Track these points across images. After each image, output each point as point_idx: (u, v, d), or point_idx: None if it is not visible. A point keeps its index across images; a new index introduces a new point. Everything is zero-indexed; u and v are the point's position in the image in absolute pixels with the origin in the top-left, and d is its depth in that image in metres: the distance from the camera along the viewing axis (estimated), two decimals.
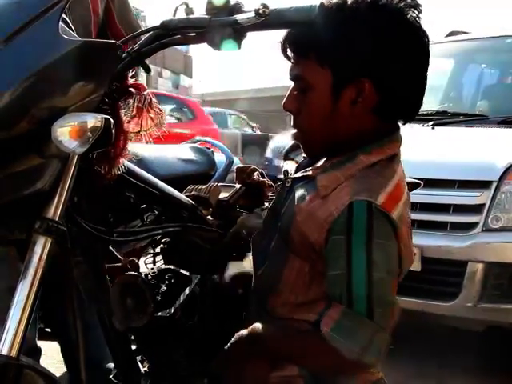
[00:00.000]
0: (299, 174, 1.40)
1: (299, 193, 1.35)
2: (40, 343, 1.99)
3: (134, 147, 1.46)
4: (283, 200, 1.41)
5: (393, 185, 1.27)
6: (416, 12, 1.27)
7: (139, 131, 1.39)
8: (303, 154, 1.46)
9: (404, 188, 1.33)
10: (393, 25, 1.25)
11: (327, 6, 1.25)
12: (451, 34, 5.16)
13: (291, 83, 1.36)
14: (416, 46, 1.29)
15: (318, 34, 1.25)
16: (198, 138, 2.69)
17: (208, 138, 2.89)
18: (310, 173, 1.36)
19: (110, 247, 1.54)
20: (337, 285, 1.22)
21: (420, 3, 1.29)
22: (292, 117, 1.36)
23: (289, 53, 1.33)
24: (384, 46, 1.25)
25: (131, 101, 1.37)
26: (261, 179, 1.87)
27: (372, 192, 1.23)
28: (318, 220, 1.25)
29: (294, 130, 1.38)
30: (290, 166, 1.56)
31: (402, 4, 1.26)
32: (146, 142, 1.41)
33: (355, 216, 1.21)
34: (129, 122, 1.37)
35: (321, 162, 1.37)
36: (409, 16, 1.27)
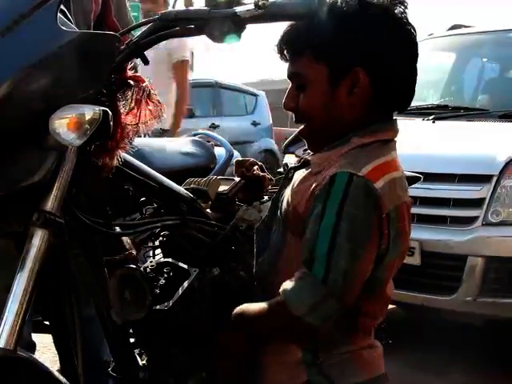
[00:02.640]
0: (297, 164, 1.46)
1: (295, 176, 1.41)
2: (40, 337, 1.99)
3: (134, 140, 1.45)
4: (284, 189, 1.45)
5: (381, 161, 1.30)
6: (402, 7, 1.34)
7: (137, 123, 1.38)
8: (303, 147, 1.48)
9: (397, 168, 1.34)
10: (382, 19, 1.31)
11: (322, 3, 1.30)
12: (453, 27, 5.14)
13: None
14: (404, 37, 1.35)
15: (312, 31, 1.30)
16: (198, 131, 2.69)
17: (208, 132, 2.90)
18: (308, 157, 1.41)
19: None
20: (305, 249, 1.27)
21: (406, 0, 1.35)
22: (294, 114, 1.40)
23: (285, 53, 1.37)
24: (375, 39, 1.30)
25: (130, 93, 1.36)
26: (260, 173, 1.87)
27: (356, 165, 1.26)
28: (306, 192, 1.31)
29: (301, 126, 1.42)
30: (290, 159, 1.58)
31: (388, 0, 1.33)
32: (144, 135, 1.40)
33: (335, 185, 1.24)
34: (127, 114, 1.36)
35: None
36: (396, 11, 1.33)
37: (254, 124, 9.70)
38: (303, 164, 1.43)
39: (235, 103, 9.82)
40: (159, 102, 1.43)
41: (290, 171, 1.46)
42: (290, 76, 1.38)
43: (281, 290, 1.27)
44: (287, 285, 1.27)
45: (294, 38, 1.35)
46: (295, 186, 1.37)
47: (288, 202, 1.38)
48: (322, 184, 1.26)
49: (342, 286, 1.24)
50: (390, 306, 3.95)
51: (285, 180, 1.48)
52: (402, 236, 1.33)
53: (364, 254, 1.25)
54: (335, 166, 1.28)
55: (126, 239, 1.55)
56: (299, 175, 1.40)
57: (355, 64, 1.30)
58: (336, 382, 1.36)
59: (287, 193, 1.41)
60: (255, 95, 10.10)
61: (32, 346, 1.97)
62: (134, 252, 1.55)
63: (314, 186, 1.29)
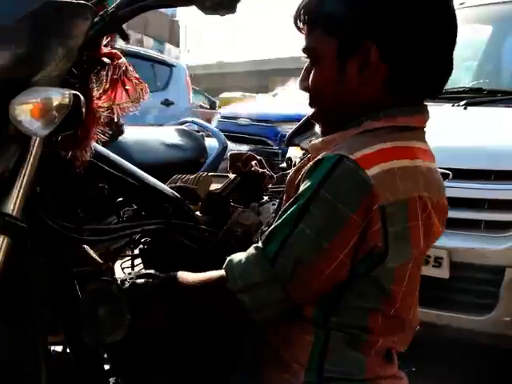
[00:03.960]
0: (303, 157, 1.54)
1: (301, 168, 1.43)
2: None
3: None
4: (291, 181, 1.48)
5: (385, 146, 1.31)
6: None
7: (110, 106, 1.39)
8: (309, 138, 1.50)
9: (412, 157, 1.36)
10: None
11: None
12: None
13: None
14: (431, 7, 1.36)
15: (325, 0, 1.35)
16: (186, 118, 2.70)
17: (198, 120, 2.90)
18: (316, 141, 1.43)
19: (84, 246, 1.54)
20: (271, 224, 1.33)
21: None
22: (308, 95, 1.44)
23: (300, 24, 1.41)
24: (388, 8, 1.33)
25: (104, 72, 1.37)
26: (259, 169, 1.87)
27: (351, 149, 1.28)
28: (300, 176, 1.36)
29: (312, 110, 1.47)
30: (294, 152, 1.59)
31: None
32: (118, 119, 1.41)
33: (319, 167, 1.28)
34: (99, 97, 1.37)
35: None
36: None
37: (166, 104, 9.14)
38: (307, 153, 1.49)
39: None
40: (139, 81, 1.43)
41: (300, 157, 1.49)
42: (304, 51, 1.43)
43: (227, 259, 1.34)
44: (235, 256, 1.33)
45: (309, 9, 1.39)
46: (291, 175, 1.43)
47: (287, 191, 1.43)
48: (308, 166, 1.31)
49: (290, 273, 1.27)
50: None
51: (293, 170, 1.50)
52: (412, 238, 1.33)
53: (330, 249, 1.27)
54: (332, 150, 1.31)
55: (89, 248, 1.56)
56: (301, 163, 1.45)
57: (366, 38, 1.33)
58: None
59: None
60: (170, 66, 9.58)
61: None
62: (110, 262, 1.56)
63: (305, 169, 1.33)
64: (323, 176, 1.26)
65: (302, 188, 1.29)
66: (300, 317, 1.38)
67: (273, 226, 1.30)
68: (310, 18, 1.40)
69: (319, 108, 1.44)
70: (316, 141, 1.42)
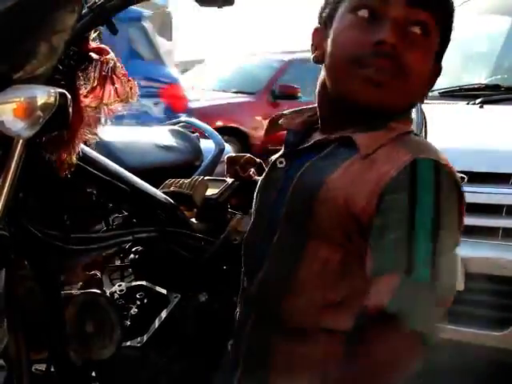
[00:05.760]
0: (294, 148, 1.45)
1: (320, 163, 1.38)
2: None
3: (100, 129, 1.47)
4: (283, 182, 1.42)
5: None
6: None
7: (98, 105, 1.39)
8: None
9: None
10: None
11: None
12: None
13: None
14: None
15: None
16: (181, 118, 2.70)
17: (193, 120, 2.89)
18: (333, 136, 1.39)
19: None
20: (392, 250, 1.26)
21: None
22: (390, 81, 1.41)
23: None
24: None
25: (92, 69, 1.37)
26: (258, 176, 1.87)
27: (433, 153, 1.31)
28: (367, 183, 1.29)
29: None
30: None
31: None
32: (106, 119, 1.41)
33: (420, 173, 1.27)
34: (87, 95, 1.37)
35: (317, 137, 1.42)
36: None
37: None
38: (311, 147, 1.42)
39: None
40: (128, 80, 1.44)
41: (280, 161, 1.44)
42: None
43: (379, 305, 1.23)
44: (387, 297, 1.24)
45: None
46: (332, 174, 1.34)
47: (317, 199, 1.34)
48: (395, 173, 1.27)
49: (449, 290, 1.29)
50: None
51: (272, 172, 1.47)
52: None
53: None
54: (402, 152, 1.30)
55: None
56: (324, 161, 1.37)
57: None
58: None
59: (304, 186, 1.37)
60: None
61: None
62: (98, 273, 1.56)
63: (378, 176, 1.29)
64: (434, 184, 1.27)
65: (397, 199, 1.27)
66: (329, 339, 1.36)
67: (398, 249, 1.26)
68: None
69: (410, 95, 1.41)
70: (358, 136, 1.35)
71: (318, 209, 1.34)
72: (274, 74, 9.26)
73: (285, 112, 1.53)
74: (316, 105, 1.47)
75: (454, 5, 1.43)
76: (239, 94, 8.95)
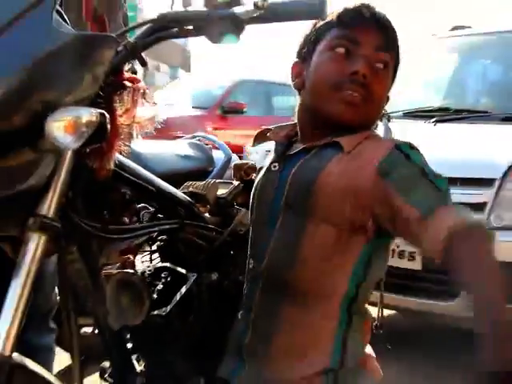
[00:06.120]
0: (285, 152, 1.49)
1: (310, 161, 1.40)
2: None
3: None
4: (278, 181, 1.43)
5: None
6: None
7: (131, 123, 1.38)
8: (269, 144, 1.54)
9: None
10: None
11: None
12: (455, 28, 5.15)
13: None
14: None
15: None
16: (196, 133, 2.69)
17: (207, 134, 2.90)
18: (323, 142, 1.41)
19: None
20: (428, 194, 1.29)
21: None
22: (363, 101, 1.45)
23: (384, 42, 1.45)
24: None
25: (126, 94, 1.37)
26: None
27: (395, 140, 1.41)
28: (358, 169, 1.33)
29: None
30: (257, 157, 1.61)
31: None
32: (137, 135, 1.40)
33: (404, 150, 1.33)
34: (121, 115, 1.36)
35: (299, 146, 1.45)
36: None
37: None
38: (299, 152, 1.43)
39: None
40: (154, 103, 1.43)
41: (274, 165, 1.46)
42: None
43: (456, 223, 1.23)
44: (468, 220, 1.26)
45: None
46: (325, 169, 1.36)
47: (314, 188, 1.35)
48: (385, 155, 1.32)
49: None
50: (389, 312, 3.96)
51: (268, 173, 1.48)
52: None
53: None
54: (382, 143, 1.40)
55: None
56: (314, 161, 1.39)
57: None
58: None
59: (301, 179, 1.38)
60: None
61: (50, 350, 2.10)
62: (132, 257, 1.55)
63: (368, 161, 1.32)
64: (421, 159, 1.34)
65: (397, 171, 1.30)
66: (327, 302, 1.37)
67: (429, 193, 1.29)
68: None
69: (374, 114, 1.46)
70: (341, 139, 1.38)
71: (314, 195, 1.35)
72: (224, 93, 8.98)
73: (270, 127, 1.56)
74: (291, 122, 1.52)
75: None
76: (196, 109, 8.70)
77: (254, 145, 1.65)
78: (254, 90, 9.51)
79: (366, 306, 1.45)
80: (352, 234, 1.34)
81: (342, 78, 1.38)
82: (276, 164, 1.46)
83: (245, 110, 8.61)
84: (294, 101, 1.51)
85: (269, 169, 1.48)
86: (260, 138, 1.61)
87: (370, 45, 1.39)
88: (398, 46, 1.45)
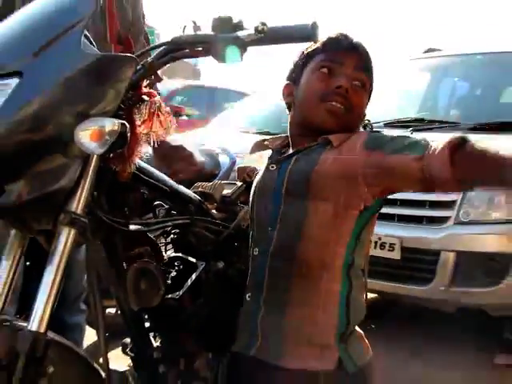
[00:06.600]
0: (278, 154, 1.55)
1: (304, 155, 1.45)
2: None
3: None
4: (277, 177, 1.46)
5: None
6: None
7: (149, 133, 1.38)
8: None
9: None
10: None
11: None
12: (429, 50, 5.17)
13: None
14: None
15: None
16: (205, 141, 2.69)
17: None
18: (317, 140, 1.45)
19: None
20: (409, 146, 1.35)
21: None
22: (345, 113, 1.49)
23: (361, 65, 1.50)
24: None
25: (144, 106, 1.36)
26: None
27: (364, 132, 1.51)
28: (350, 150, 1.39)
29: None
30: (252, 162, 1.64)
31: None
32: (154, 142, 1.40)
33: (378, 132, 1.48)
34: (140, 125, 1.36)
35: (291, 151, 1.51)
36: None
37: None
38: (292, 153, 1.48)
39: None
40: (168, 114, 1.42)
41: (272, 166, 1.50)
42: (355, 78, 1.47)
43: (446, 145, 1.31)
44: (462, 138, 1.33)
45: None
46: (319, 160, 1.40)
47: (311, 175, 1.39)
48: (365, 137, 1.40)
49: None
50: (372, 295, 3.96)
51: (267, 172, 1.51)
52: None
53: None
54: (356, 134, 1.44)
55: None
56: (308, 157, 1.42)
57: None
58: (357, 359, 1.40)
59: (299, 171, 1.42)
60: None
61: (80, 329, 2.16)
62: (149, 248, 1.55)
63: (357, 144, 1.39)
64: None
65: (377, 141, 1.38)
66: (330, 269, 1.38)
67: (413, 144, 1.35)
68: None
69: (353, 124, 1.49)
70: (331, 136, 1.43)
71: (311, 179, 1.38)
72: (166, 96, 8.32)
73: (267, 138, 1.63)
74: (284, 134, 1.58)
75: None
76: None
77: (251, 153, 1.67)
78: (194, 95, 9.16)
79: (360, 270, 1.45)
80: (347, 209, 1.37)
81: (328, 91, 1.44)
82: (273, 165, 1.50)
83: (183, 113, 7.60)
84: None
85: (267, 169, 1.52)
86: (258, 147, 1.64)
87: (349, 65, 1.45)
88: (372, 69, 1.50)
